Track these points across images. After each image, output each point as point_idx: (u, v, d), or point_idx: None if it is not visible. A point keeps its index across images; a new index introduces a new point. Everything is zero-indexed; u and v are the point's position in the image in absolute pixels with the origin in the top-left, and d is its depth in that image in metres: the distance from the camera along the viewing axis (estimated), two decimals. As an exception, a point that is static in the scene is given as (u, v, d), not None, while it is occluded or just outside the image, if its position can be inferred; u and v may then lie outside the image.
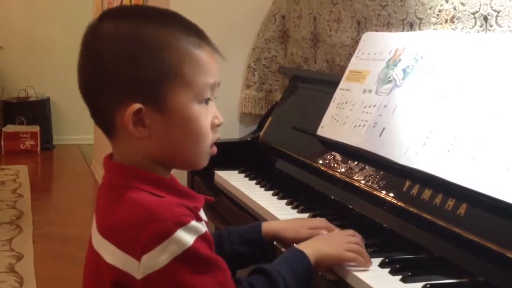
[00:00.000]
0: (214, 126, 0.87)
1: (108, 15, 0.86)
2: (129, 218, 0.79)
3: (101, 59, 0.83)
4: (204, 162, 0.88)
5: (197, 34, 0.86)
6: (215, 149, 0.89)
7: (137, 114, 0.81)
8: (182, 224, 0.78)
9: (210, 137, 0.86)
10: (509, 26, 1.17)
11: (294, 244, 1.02)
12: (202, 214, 0.86)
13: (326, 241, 1.00)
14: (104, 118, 0.85)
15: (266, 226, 1.09)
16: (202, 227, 0.81)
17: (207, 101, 0.85)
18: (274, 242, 1.09)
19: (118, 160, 0.87)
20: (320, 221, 1.11)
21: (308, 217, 1.26)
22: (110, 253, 0.80)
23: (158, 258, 0.76)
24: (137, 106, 0.81)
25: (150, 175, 0.84)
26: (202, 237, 0.79)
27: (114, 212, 0.82)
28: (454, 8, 1.30)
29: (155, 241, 0.76)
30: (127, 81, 0.81)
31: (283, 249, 1.07)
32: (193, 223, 0.79)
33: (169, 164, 0.88)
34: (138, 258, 0.77)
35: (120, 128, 0.83)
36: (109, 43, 0.82)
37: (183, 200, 0.83)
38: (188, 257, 0.77)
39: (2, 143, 5.41)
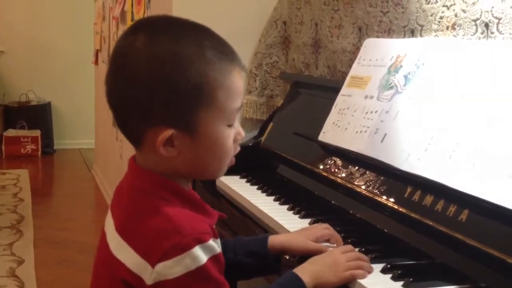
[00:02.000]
0: (236, 141, 0.90)
1: (143, 30, 0.85)
2: (153, 225, 0.82)
3: (134, 79, 0.82)
4: (223, 173, 0.92)
5: (229, 57, 0.86)
6: (233, 160, 0.91)
7: (168, 137, 0.83)
8: (201, 241, 0.81)
9: (232, 153, 0.89)
10: (510, 33, 1.18)
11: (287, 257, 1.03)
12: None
13: (326, 266, 0.98)
14: (132, 132, 0.86)
15: (272, 239, 1.08)
16: (217, 247, 0.83)
17: (233, 124, 0.88)
18: (287, 256, 1.08)
19: (143, 166, 0.88)
20: (325, 230, 1.10)
21: (310, 222, 1.26)
22: (126, 254, 0.82)
23: (172, 269, 0.79)
24: (169, 132, 0.82)
25: (174, 186, 0.86)
26: (215, 258, 0.82)
27: (139, 218, 0.84)
28: (456, 15, 1.31)
29: (173, 253, 0.79)
30: (161, 105, 0.82)
31: (291, 259, 1.08)
32: (210, 242, 0.82)
33: (190, 176, 0.90)
34: (153, 265, 0.79)
35: (148, 144, 0.85)
36: (144, 63, 0.82)
37: (200, 215, 0.85)
38: (199, 274, 0.80)
39: (3, 147, 5.42)
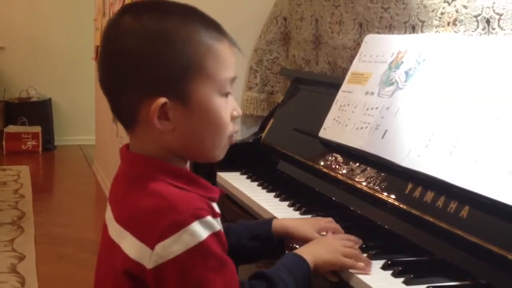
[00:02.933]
0: (233, 119, 0.89)
1: (129, 10, 0.87)
2: (148, 206, 0.80)
3: (124, 54, 0.83)
4: (221, 154, 0.89)
5: (216, 28, 0.87)
6: (233, 139, 0.90)
7: (162, 108, 0.82)
8: (198, 216, 0.79)
9: (229, 129, 0.88)
10: (511, 29, 1.18)
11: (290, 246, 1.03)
12: (216, 207, 0.87)
13: (322, 246, 1.00)
14: (125, 112, 0.86)
15: (276, 223, 1.09)
16: (217, 225, 0.82)
17: (227, 94, 0.87)
18: (297, 246, 1.07)
19: (136, 151, 0.87)
20: (329, 223, 1.11)
21: (310, 219, 1.26)
22: (126, 241, 0.81)
23: (171, 247, 0.77)
24: (162, 100, 0.82)
25: (169, 166, 0.85)
26: (215, 235, 0.80)
27: (134, 202, 0.83)
28: (457, 11, 1.31)
29: (171, 231, 0.77)
30: (152, 76, 0.82)
31: (290, 245, 1.08)
32: (209, 218, 0.80)
33: (187, 156, 0.89)
34: (152, 246, 0.78)
35: (142, 122, 0.84)
36: (133, 38, 0.83)
37: (200, 190, 0.84)
38: (200, 251, 0.78)
39: (4, 143, 5.42)
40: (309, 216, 1.28)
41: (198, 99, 0.84)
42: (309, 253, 0.96)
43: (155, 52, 0.82)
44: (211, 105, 0.85)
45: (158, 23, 0.83)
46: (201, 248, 0.78)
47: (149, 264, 0.78)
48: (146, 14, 0.85)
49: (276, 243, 1.07)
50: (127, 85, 0.84)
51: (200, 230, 0.78)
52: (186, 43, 0.83)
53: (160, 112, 0.82)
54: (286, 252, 1.06)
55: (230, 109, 0.87)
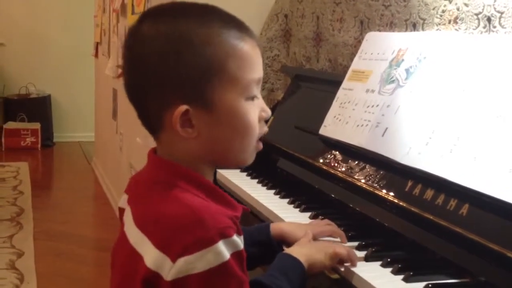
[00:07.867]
0: (262, 120, 0.86)
1: (147, 17, 0.85)
2: (173, 215, 0.78)
3: (144, 62, 0.82)
4: (251, 158, 0.87)
5: (238, 26, 0.84)
6: (261, 145, 0.87)
7: (184, 115, 0.80)
8: (225, 236, 0.77)
9: (257, 132, 0.85)
10: (512, 27, 1.18)
11: (285, 248, 1.03)
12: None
13: (314, 247, 1.00)
14: (151, 119, 0.84)
15: (273, 227, 1.08)
16: (240, 243, 0.80)
17: (253, 98, 0.84)
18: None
19: (163, 156, 0.85)
20: (326, 226, 1.10)
21: (310, 216, 1.26)
22: (145, 248, 0.79)
23: (194, 264, 0.75)
24: (183, 108, 0.80)
25: (196, 176, 0.83)
26: (237, 254, 0.78)
27: (157, 207, 0.81)
28: (458, 9, 1.31)
29: (196, 247, 0.75)
30: (172, 82, 0.80)
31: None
32: (235, 237, 0.78)
33: (216, 162, 0.87)
34: (173, 259, 0.76)
35: (167, 129, 0.82)
36: (151, 44, 0.81)
37: (224, 208, 0.82)
38: (222, 271, 0.76)
39: (3, 140, 5.42)
40: (309, 213, 1.28)
41: (222, 105, 0.81)
42: (302, 254, 0.96)
43: (172, 55, 0.80)
44: (237, 110, 0.82)
45: (174, 27, 0.81)
46: (223, 268, 0.76)
47: (167, 276, 0.76)
48: (163, 18, 0.83)
49: (277, 247, 1.06)
50: (149, 92, 0.82)
51: (224, 251, 0.76)
52: (205, 45, 0.80)
53: (183, 120, 0.80)
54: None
55: (258, 110, 0.85)
